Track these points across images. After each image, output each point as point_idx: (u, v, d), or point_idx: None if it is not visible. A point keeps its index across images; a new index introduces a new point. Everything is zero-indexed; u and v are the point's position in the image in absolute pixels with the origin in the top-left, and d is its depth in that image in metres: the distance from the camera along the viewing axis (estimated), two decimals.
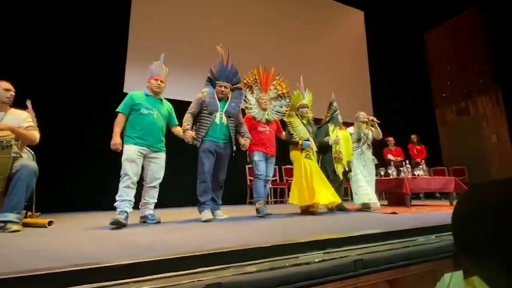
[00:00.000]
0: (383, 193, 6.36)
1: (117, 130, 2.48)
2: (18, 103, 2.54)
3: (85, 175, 4.29)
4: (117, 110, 2.56)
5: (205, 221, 2.50)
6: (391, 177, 4.30)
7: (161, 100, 2.74)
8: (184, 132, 2.69)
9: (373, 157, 3.84)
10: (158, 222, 2.52)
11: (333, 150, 3.48)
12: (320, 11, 7.60)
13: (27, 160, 2.35)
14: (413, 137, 6.72)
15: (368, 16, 8.40)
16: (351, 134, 3.84)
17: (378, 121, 3.85)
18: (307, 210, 3.20)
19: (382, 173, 4.43)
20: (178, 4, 5.73)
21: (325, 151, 3.55)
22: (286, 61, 6.59)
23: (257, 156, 3.12)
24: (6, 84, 2.39)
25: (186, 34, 5.64)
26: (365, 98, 7.80)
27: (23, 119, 2.39)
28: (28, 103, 2.59)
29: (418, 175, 4.33)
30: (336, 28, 7.86)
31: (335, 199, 3.18)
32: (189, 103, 2.99)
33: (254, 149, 3.14)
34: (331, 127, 3.63)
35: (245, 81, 3.30)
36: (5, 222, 2.05)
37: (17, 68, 3.99)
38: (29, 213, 2.87)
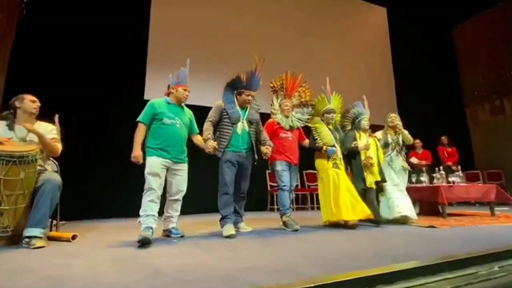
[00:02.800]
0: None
1: (138, 141, 2.36)
2: (43, 115, 2.54)
3: (108, 183, 4.30)
4: (137, 120, 2.44)
5: (227, 236, 2.37)
6: (423, 184, 4.00)
7: (182, 107, 2.62)
8: (205, 142, 2.55)
9: (405, 164, 3.46)
10: (182, 237, 2.43)
11: (363, 156, 3.14)
12: (340, 9, 7.34)
13: (51, 173, 2.33)
14: (443, 138, 6.31)
15: (391, 12, 8.02)
16: (378, 140, 3.48)
17: (400, 128, 3.45)
18: (333, 223, 2.97)
19: (414, 179, 4.14)
20: (196, 11, 5.68)
21: (353, 158, 3.23)
22: (306, 61, 6.39)
23: (279, 166, 2.95)
24: (32, 97, 2.42)
25: (204, 39, 5.57)
26: (389, 98, 7.45)
27: (49, 132, 2.39)
28: (56, 117, 2.58)
29: (454, 182, 4.02)
30: (358, 26, 7.56)
31: (364, 214, 2.84)
32: (206, 108, 2.90)
33: (276, 157, 2.97)
34: (357, 134, 3.31)
35: (271, 85, 3.21)
36: (30, 237, 2.03)
37: (39, 79, 4.08)
38: (54, 221, 2.87)
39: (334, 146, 3.06)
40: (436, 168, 4.28)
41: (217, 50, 5.55)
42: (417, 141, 6.09)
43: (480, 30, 7.81)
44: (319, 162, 3.14)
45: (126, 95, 4.69)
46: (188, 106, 2.78)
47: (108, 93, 4.63)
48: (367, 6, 7.80)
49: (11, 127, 2.29)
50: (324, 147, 3.03)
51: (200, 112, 2.95)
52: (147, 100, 2.67)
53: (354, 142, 3.19)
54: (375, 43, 7.65)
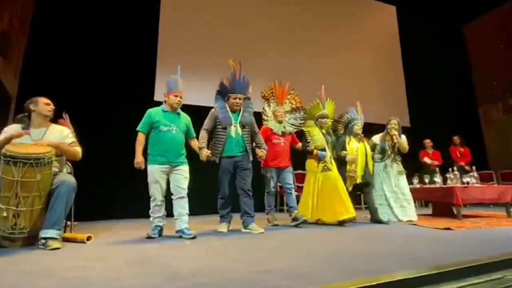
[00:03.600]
0: (423, 202, 5.94)
1: (139, 148, 2.57)
2: (55, 117, 2.57)
3: (119, 184, 4.34)
4: (137, 129, 2.63)
5: (220, 231, 2.77)
6: (437, 185, 3.93)
7: (178, 114, 2.74)
8: (199, 150, 2.75)
9: (400, 169, 3.56)
10: (194, 237, 2.44)
11: (348, 168, 3.33)
12: (348, 7, 7.27)
13: (66, 175, 2.36)
14: (456, 138, 6.18)
15: (400, 10, 7.91)
16: (375, 145, 3.63)
17: (396, 138, 3.52)
18: (320, 221, 3.28)
19: (427, 180, 4.07)
20: (205, 13, 5.70)
21: (341, 165, 3.40)
22: (314, 60, 6.35)
23: (269, 173, 3.27)
24: (45, 99, 2.43)
25: (213, 41, 5.58)
26: (399, 97, 7.35)
27: (65, 136, 2.41)
28: (65, 116, 2.62)
29: (468, 183, 3.93)
30: (366, 25, 7.49)
31: (348, 215, 3.08)
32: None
33: (268, 163, 3.27)
34: (347, 139, 3.46)
35: (262, 94, 3.47)
36: (46, 238, 2.05)
37: (50, 81, 4.14)
38: (68, 222, 2.90)
39: (325, 149, 3.27)
40: (450, 169, 4.20)
41: (226, 51, 5.54)
42: (428, 140, 5.99)
43: (492, 28, 7.65)
44: (309, 163, 3.38)
45: (137, 96, 4.73)
46: (199, 107, 2.86)
47: (119, 94, 4.68)
48: (376, 4, 7.71)
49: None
50: (315, 151, 3.25)
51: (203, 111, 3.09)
52: (158, 101, 2.76)
53: (344, 152, 3.38)
54: (385, 42, 7.56)
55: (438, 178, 3.96)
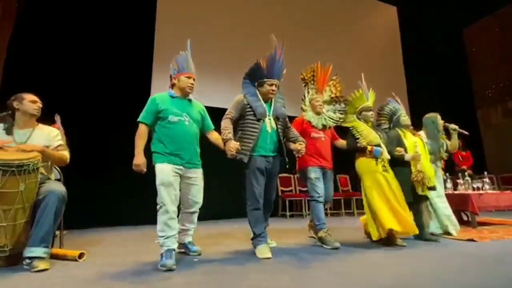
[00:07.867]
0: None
1: (140, 146, 1.98)
2: (43, 117, 2.27)
3: (111, 189, 4.03)
4: (138, 120, 2.04)
5: (263, 258, 2.03)
6: (449, 191, 3.78)
7: (189, 100, 2.19)
8: (225, 143, 2.13)
9: (443, 173, 3.24)
10: (199, 254, 2.17)
11: (413, 169, 2.58)
12: (349, 8, 7.10)
13: (55, 183, 2.06)
14: (458, 141, 6.07)
15: (402, 11, 7.81)
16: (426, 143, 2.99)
17: (463, 131, 3.18)
18: (388, 241, 2.42)
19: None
20: (204, 7, 5.42)
21: (396, 166, 2.64)
22: (315, 61, 6.14)
23: (313, 173, 2.50)
24: (32, 96, 2.13)
25: (212, 37, 5.31)
26: (401, 99, 7.22)
27: (53, 137, 2.12)
28: (57, 118, 2.32)
29: (479, 188, 3.80)
30: (367, 26, 7.34)
31: (412, 230, 2.41)
32: (216, 109, 2.57)
33: (308, 162, 2.54)
34: (400, 132, 2.78)
35: (302, 76, 2.80)
36: (32, 258, 1.77)
37: (38, 77, 3.80)
38: (57, 232, 2.61)
39: (379, 145, 2.59)
40: (459, 174, 4.07)
41: (226, 49, 5.29)
42: None
43: (492, 31, 7.65)
44: (364, 163, 2.59)
45: (132, 94, 4.40)
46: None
47: (112, 93, 4.36)
48: (376, 4, 7.58)
49: (9, 131, 2.01)
50: (369, 147, 2.54)
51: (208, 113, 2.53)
52: None
53: (399, 149, 2.60)
54: (385, 43, 7.44)
55: (449, 184, 3.82)
